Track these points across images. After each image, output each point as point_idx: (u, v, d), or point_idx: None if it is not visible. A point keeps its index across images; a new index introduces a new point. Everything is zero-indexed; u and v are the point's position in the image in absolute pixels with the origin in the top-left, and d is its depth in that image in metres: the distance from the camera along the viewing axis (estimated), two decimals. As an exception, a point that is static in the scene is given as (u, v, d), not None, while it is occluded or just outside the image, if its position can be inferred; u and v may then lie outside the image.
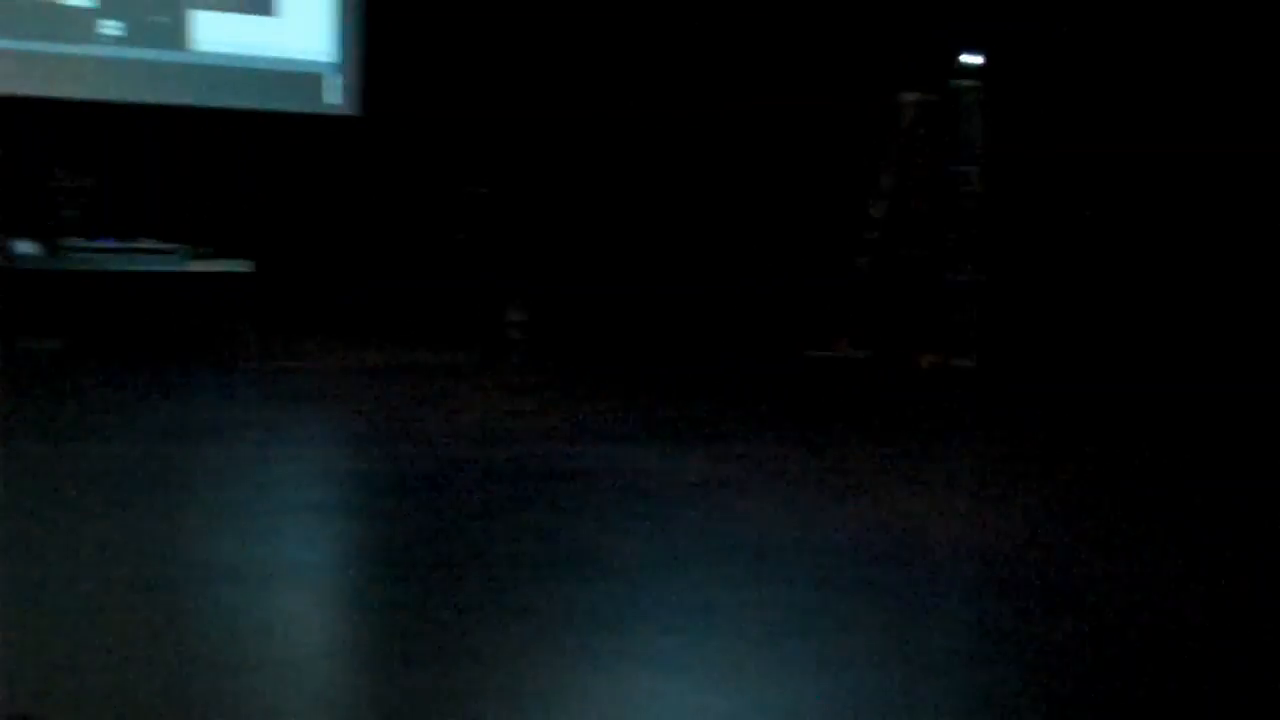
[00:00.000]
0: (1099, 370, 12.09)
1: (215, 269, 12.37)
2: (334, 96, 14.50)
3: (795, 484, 7.76)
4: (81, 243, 11.83)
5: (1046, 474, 8.33)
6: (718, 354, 13.93)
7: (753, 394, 11.41)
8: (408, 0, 14.79)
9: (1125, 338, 12.20)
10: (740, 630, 5.13)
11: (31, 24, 13.00)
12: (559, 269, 14.96)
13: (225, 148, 14.27)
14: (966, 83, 12.88)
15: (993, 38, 12.89)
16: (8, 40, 12.89)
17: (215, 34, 13.84)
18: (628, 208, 15.25)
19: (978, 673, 4.77)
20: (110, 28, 13.36)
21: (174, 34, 13.65)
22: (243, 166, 14.40)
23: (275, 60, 14.20)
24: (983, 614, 5.42)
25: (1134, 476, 8.38)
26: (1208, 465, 8.84)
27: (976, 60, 12.87)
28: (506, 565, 5.83)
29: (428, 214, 15.19)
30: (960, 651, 5.00)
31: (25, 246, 11.65)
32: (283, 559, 5.93)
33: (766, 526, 6.71)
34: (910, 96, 12.78)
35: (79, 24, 13.20)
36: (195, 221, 13.09)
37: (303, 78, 14.39)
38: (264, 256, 13.20)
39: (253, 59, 14.04)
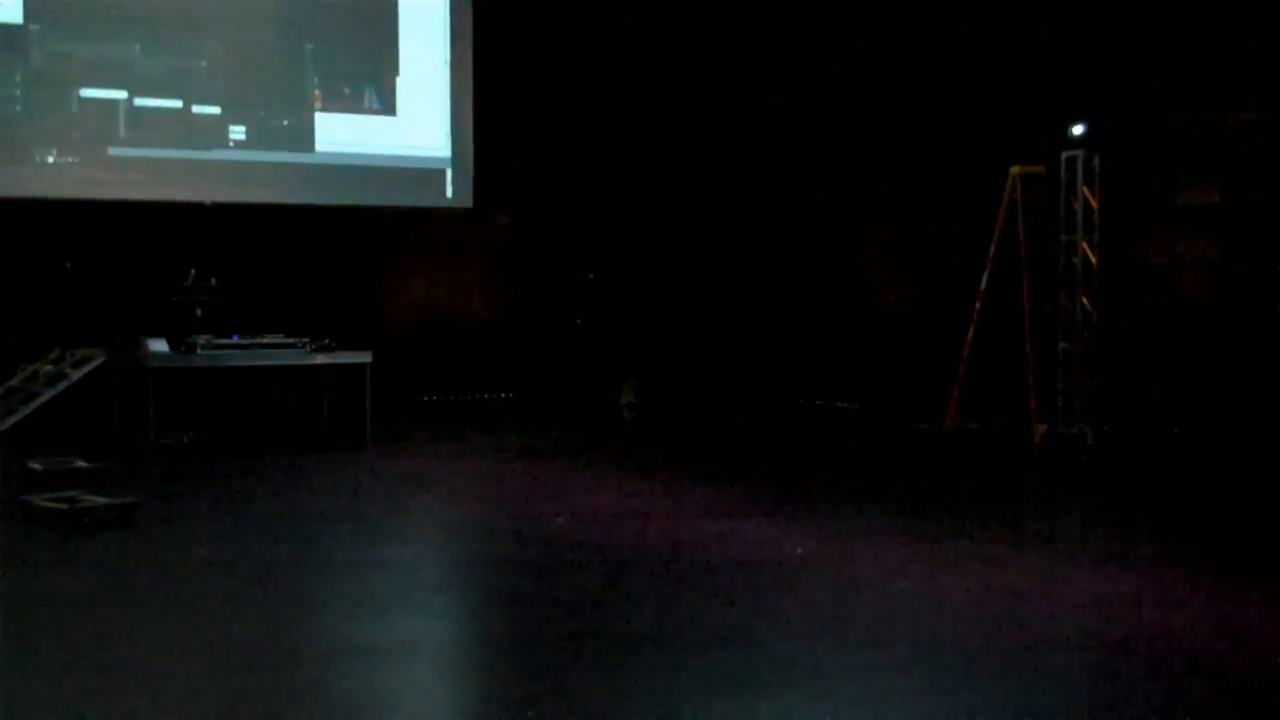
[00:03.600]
0: (1214, 434, 11.97)
1: (336, 361, 12.74)
2: (450, 190, 14.92)
3: (901, 556, 7.81)
4: (210, 340, 12.26)
5: (1161, 542, 8.28)
6: (826, 427, 13.99)
7: (859, 468, 11.46)
8: (516, 98, 15.27)
9: (1240, 399, 12.07)
10: (854, 694, 5.24)
11: (165, 133, 13.58)
12: (665, 349, 15.19)
13: (345, 243, 14.74)
14: (1075, 153, 12.94)
15: (1102, 108, 12.95)
16: (141, 149, 13.47)
17: (338, 135, 14.34)
18: (726, 283, 15.47)
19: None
20: (238, 133, 13.91)
21: (300, 136, 14.18)
22: (362, 261, 14.85)
23: (398, 158, 14.66)
24: (1097, 678, 5.46)
25: (1252, 545, 8.29)
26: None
27: (1085, 131, 12.91)
28: (629, 639, 5.97)
29: (541, 300, 15.54)
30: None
31: (158, 345, 12.10)
32: (410, 637, 6.13)
33: (874, 597, 6.78)
34: (1018, 169, 12.83)
35: (208, 130, 13.77)
36: (317, 315, 13.51)
37: (425, 174, 14.83)
38: (385, 345, 13.60)
39: (375, 157, 14.52)
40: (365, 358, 12.80)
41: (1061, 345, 12.89)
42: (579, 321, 15.21)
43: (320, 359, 12.65)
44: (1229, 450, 11.64)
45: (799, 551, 7.77)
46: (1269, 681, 5.35)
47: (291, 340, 12.68)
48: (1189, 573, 7.28)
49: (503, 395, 15.47)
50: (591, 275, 15.30)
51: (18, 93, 13.01)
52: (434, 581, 7.46)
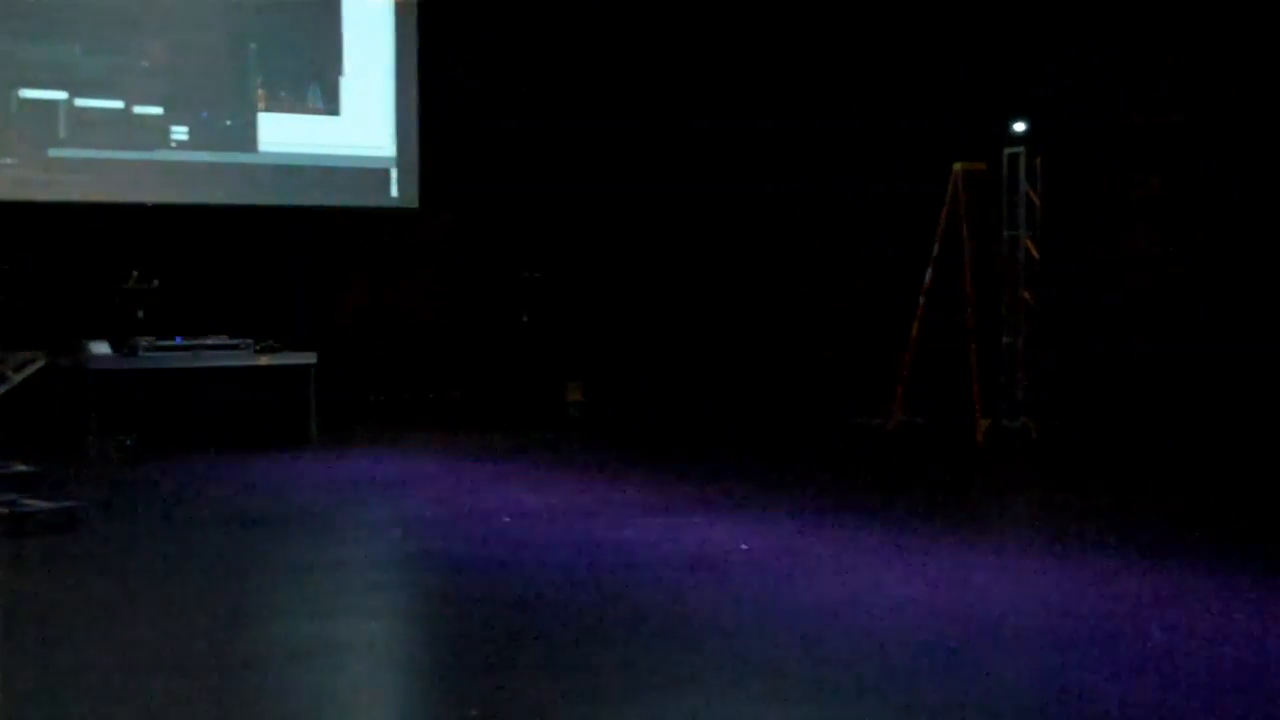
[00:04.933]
0: (1157, 427, 12.10)
1: (280, 362, 12.67)
2: (395, 190, 14.86)
3: (845, 550, 7.87)
4: (153, 341, 12.18)
5: (1103, 535, 8.36)
6: (770, 424, 14.04)
7: (803, 463, 11.52)
8: (460, 98, 15.22)
9: (1179, 393, 12.21)
10: (796, 690, 5.28)
11: (105, 133, 13.46)
12: (612, 348, 15.20)
13: (290, 244, 14.66)
14: (1018, 150, 13.07)
15: (1044, 105, 13.07)
16: (83, 150, 13.34)
17: (282, 135, 14.25)
18: (678, 281, 15.50)
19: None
20: (180, 133, 13.80)
21: (242, 136, 14.09)
22: (306, 261, 14.77)
23: (342, 158, 14.58)
24: (1042, 670, 5.51)
25: (1194, 536, 8.39)
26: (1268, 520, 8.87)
27: (1027, 128, 13.05)
28: (574, 637, 5.98)
29: (487, 300, 15.50)
30: (1020, 709, 5.10)
31: (99, 347, 12.00)
32: (354, 638, 6.12)
33: (819, 592, 6.82)
34: (960, 165, 12.94)
35: (150, 131, 13.66)
36: (261, 316, 13.43)
37: (369, 174, 14.77)
38: (331, 345, 13.54)
39: (319, 157, 14.44)
40: (310, 358, 12.74)
41: (1005, 340, 13.00)
42: (525, 320, 15.17)
43: (264, 360, 12.58)
44: (1172, 443, 11.76)
45: (744, 548, 7.80)
46: (1215, 672, 5.42)
47: (235, 341, 12.61)
48: (1132, 565, 7.36)
49: (450, 394, 15.43)
50: (538, 274, 15.28)
51: (-45, 94, 12.88)
52: (379, 581, 7.43)
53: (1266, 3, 11.77)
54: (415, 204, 14.93)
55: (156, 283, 12.83)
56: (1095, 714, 4.92)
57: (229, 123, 14.04)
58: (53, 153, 13.23)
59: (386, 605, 6.88)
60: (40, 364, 11.84)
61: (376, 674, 5.74)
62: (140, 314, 12.54)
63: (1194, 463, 11.07)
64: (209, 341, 12.53)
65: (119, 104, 13.50)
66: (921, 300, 12.96)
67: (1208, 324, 12.16)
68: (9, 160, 13.06)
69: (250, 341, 12.58)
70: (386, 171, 14.84)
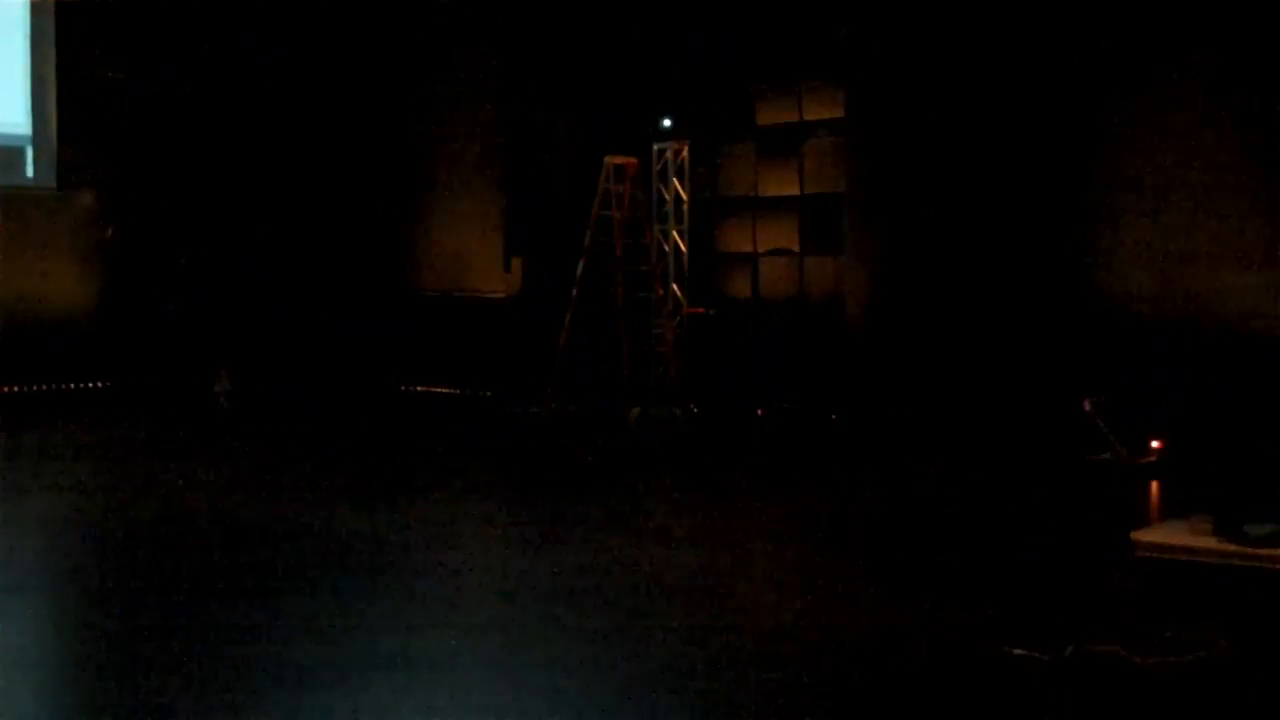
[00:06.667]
0: (790, 412, 12.70)
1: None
2: (31, 170, 14.18)
3: (496, 537, 8.00)
4: None
5: (744, 515, 8.74)
6: (422, 412, 14.05)
7: (458, 451, 11.60)
8: (101, 73, 14.63)
9: (816, 380, 12.83)
10: (439, 674, 5.33)
11: None
12: (263, 334, 14.89)
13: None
14: (668, 144, 13.48)
15: (696, 100, 13.52)
16: None
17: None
18: (325, 267, 15.34)
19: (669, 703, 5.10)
20: None
21: None
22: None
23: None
24: (681, 651, 5.75)
25: (829, 516, 8.85)
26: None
27: (674, 124, 13.49)
28: (217, 629, 5.90)
29: (132, 285, 14.95)
30: (654, 687, 5.30)
31: None
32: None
33: (466, 577, 6.93)
34: (612, 159, 13.23)
35: None
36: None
37: (3, 152, 14.01)
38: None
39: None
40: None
41: (654, 330, 13.38)
42: (170, 307, 14.69)
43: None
44: (812, 427, 12.36)
45: (393, 538, 7.82)
46: (847, 647, 5.76)
47: None
48: (774, 548, 7.72)
49: (93, 385, 14.83)
50: (183, 260, 14.82)
51: None
52: (6, 583, 7.12)
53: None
54: (53, 184, 14.29)
55: None
56: (718, 690, 5.19)
57: None
58: None
59: (17, 607, 6.59)
60: None
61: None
62: None
63: (834, 447, 11.68)
64: None
65: None
66: (574, 291, 13.20)
67: (839, 311, 12.84)
68: None
69: None
70: (21, 150, 14.14)
